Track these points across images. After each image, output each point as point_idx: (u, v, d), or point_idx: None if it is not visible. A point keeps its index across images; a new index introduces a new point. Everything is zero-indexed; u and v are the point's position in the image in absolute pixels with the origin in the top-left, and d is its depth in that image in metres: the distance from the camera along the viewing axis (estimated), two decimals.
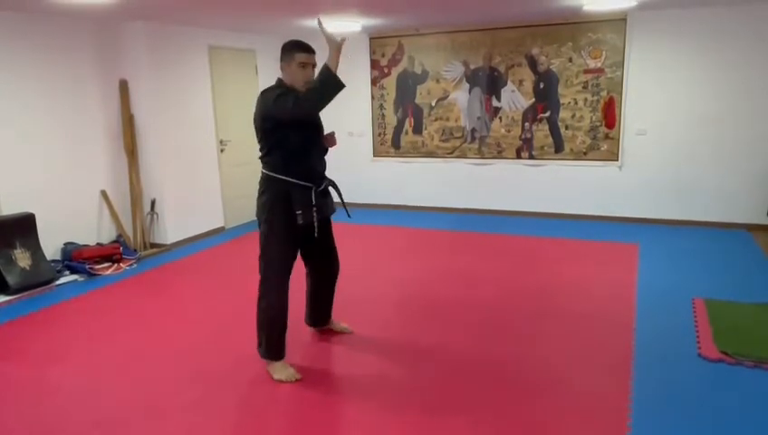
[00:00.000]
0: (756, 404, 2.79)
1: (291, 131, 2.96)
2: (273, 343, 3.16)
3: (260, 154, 3.10)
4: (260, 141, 3.07)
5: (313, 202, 3.05)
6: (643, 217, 6.50)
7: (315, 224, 3.09)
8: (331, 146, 3.18)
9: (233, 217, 6.91)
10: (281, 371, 3.14)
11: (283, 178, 3.01)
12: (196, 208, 6.39)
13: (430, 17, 6.19)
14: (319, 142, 3.14)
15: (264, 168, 3.10)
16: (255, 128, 3.06)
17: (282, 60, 3.02)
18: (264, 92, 3.03)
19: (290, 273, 3.15)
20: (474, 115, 7.08)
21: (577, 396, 2.91)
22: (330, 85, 2.79)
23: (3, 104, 4.82)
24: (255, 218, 3.23)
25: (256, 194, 3.12)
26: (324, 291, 3.57)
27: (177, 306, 4.36)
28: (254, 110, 3.05)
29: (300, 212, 3.01)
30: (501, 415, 2.76)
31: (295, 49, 2.96)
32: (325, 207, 3.19)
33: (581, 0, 5.22)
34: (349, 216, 3.52)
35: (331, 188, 3.27)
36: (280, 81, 3.08)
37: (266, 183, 3.08)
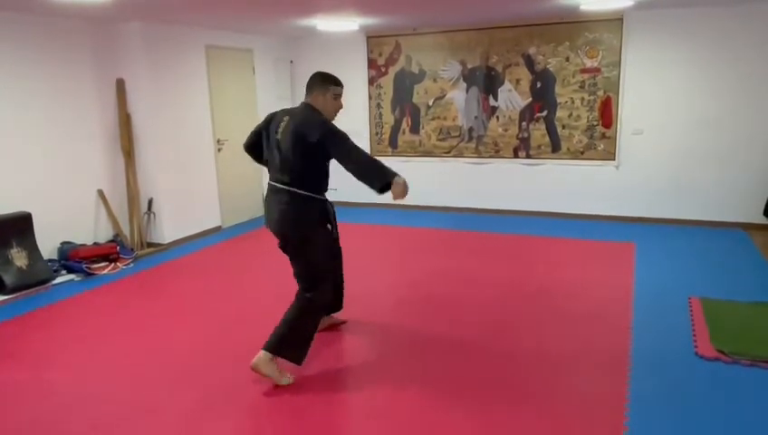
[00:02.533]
0: (752, 402, 2.81)
1: (328, 159, 3.15)
2: (307, 348, 3.17)
3: (291, 175, 3.07)
4: (297, 163, 3.05)
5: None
6: (640, 217, 6.52)
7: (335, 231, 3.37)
8: None
9: (230, 217, 6.90)
10: (280, 373, 3.11)
11: (321, 197, 3.19)
12: (193, 208, 6.38)
13: (428, 17, 6.19)
14: None
15: (298, 188, 3.07)
16: (296, 148, 3.03)
17: (315, 90, 3.18)
18: (320, 120, 3.08)
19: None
20: (471, 114, 7.08)
21: (574, 395, 2.92)
22: (377, 179, 2.98)
23: (0, 104, 4.82)
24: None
25: (263, 191, 3.22)
26: (340, 287, 3.74)
27: (174, 306, 4.36)
28: (289, 126, 3.07)
29: (333, 224, 3.32)
30: (499, 414, 2.77)
31: (331, 82, 3.20)
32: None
33: (578, 0, 5.23)
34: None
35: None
36: (313, 107, 3.17)
37: (307, 203, 3.12)
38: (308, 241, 3.14)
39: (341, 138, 3.01)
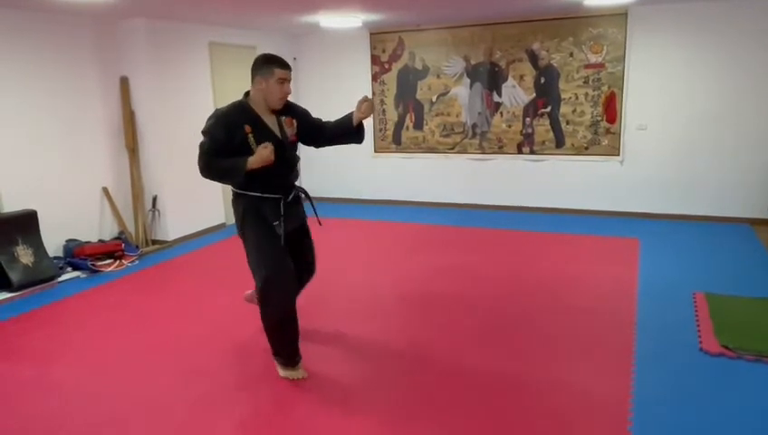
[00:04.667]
0: (757, 398, 2.80)
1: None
2: (285, 349, 3.07)
3: None
4: None
5: (281, 212, 3.02)
6: (644, 212, 6.50)
7: (282, 233, 3.01)
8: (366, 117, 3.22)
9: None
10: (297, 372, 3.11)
11: (250, 193, 3.00)
12: (197, 205, 6.40)
13: (431, 13, 6.18)
14: (282, 156, 3.00)
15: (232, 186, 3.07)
16: None
17: (257, 74, 2.95)
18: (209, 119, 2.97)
19: (287, 269, 3.02)
20: (474, 110, 7.07)
21: (578, 390, 2.92)
22: (231, 176, 2.92)
23: (4, 102, 4.82)
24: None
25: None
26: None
27: (178, 303, 4.37)
28: None
29: (276, 223, 3.00)
30: (501, 409, 2.77)
31: (275, 65, 2.94)
32: (294, 216, 3.15)
33: None
34: (320, 224, 3.43)
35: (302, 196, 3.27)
36: (246, 95, 3.03)
37: (236, 200, 3.08)
38: (243, 236, 3.08)
39: (200, 147, 2.92)
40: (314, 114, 3.32)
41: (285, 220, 3.03)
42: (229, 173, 2.93)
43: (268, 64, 2.93)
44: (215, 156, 2.90)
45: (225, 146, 2.89)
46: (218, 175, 2.97)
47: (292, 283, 3.07)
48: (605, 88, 6.39)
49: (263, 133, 2.94)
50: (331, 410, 2.82)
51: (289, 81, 2.99)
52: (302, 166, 8.02)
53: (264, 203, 3.00)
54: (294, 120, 3.13)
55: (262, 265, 2.98)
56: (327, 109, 7.79)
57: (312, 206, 3.37)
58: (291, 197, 3.11)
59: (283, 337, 3.06)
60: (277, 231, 2.99)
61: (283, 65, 2.95)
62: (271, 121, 3.03)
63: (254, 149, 2.87)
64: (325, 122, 3.30)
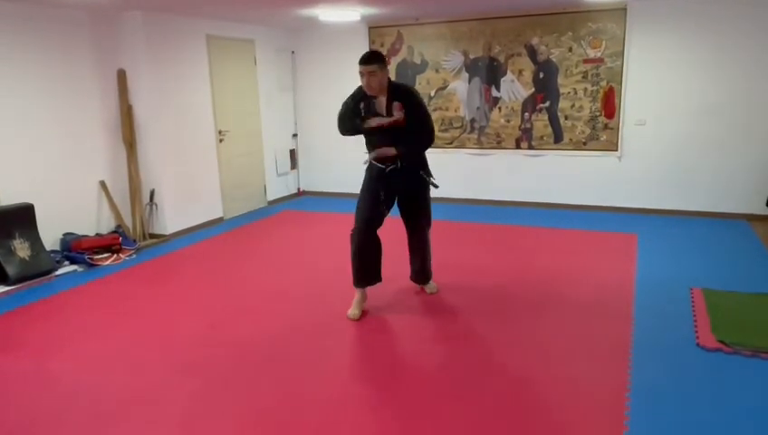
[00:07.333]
0: (753, 393, 2.81)
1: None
2: (353, 273, 3.87)
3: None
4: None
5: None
6: (642, 208, 6.51)
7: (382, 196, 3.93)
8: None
9: (231, 208, 6.90)
10: (355, 304, 3.83)
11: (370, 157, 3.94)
12: (194, 199, 6.39)
13: (430, 7, 6.15)
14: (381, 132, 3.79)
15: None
16: None
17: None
18: None
19: (370, 222, 3.89)
20: (473, 105, 7.06)
21: (575, 385, 2.93)
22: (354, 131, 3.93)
23: (1, 96, 4.80)
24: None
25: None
26: (415, 252, 4.30)
27: (176, 297, 4.37)
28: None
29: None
30: (500, 403, 2.78)
31: (359, 61, 3.63)
32: (398, 183, 3.93)
33: None
34: (436, 187, 4.18)
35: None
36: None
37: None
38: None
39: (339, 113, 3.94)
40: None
41: (390, 184, 3.88)
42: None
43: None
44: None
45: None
46: (350, 130, 3.98)
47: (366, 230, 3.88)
48: (604, 83, 6.38)
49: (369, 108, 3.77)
50: (328, 407, 2.83)
51: (368, 73, 3.58)
52: (301, 159, 8.01)
53: (372, 167, 3.95)
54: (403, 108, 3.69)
55: (359, 207, 3.96)
56: (326, 103, 7.81)
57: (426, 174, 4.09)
58: (390, 167, 3.89)
59: (354, 260, 3.87)
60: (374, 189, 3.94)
61: (360, 61, 3.61)
62: (379, 102, 3.75)
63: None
64: (418, 131, 3.82)
